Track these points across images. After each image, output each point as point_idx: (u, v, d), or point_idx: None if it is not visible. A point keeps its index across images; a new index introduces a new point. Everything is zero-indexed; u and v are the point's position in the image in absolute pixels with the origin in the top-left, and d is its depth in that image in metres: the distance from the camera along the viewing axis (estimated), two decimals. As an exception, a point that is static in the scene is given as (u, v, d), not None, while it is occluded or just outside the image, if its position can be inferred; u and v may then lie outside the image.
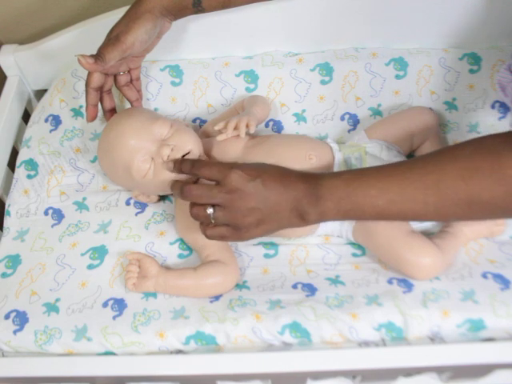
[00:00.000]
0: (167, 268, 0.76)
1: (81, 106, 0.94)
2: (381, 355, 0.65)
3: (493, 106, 0.89)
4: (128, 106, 0.90)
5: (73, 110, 0.95)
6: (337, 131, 0.93)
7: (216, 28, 0.92)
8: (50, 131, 0.93)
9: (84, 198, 0.85)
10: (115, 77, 0.85)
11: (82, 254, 0.79)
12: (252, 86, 0.95)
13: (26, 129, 0.95)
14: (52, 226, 0.83)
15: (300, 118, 0.94)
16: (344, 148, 0.82)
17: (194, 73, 0.95)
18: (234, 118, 0.80)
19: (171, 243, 0.80)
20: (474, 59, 0.92)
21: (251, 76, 0.95)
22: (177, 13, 0.81)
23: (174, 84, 0.95)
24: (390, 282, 0.73)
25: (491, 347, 0.65)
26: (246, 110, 0.86)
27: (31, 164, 0.89)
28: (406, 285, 0.72)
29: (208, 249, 0.76)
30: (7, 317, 0.72)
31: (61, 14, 1.03)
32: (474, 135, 0.88)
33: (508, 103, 0.85)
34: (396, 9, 0.90)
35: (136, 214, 0.83)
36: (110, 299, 0.74)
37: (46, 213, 0.84)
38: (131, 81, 0.87)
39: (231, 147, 0.81)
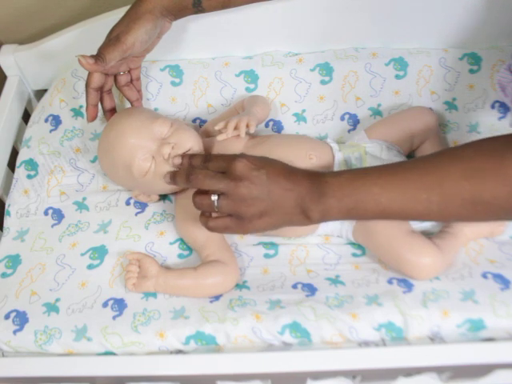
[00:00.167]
0: (167, 268, 0.76)
1: (81, 106, 0.94)
2: (381, 355, 0.65)
3: (493, 106, 0.89)
4: (128, 105, 0.90)
5: (73, 109, 0.95)
6: (337, 131, 0.93)
7: (216, 28, 0.92)
8: (50, 131, 0.93)
9: (84, 198, 0.85)
10: (115, 77, 0.85)
11: (82, 254, 0.79)
12: (252, 85, 0.95)
13: (26, 129, 0.95)
14: (52, 226, 0.83)
15: (300, 118, 0.94)
16: (344, 148, 0.82)
17: (194, 73, 0.95)
18: (234, 118, 0.80)
19: (171, 243, 0.80)
20: (474, 59, 0.92)
21: (251, 76, 0.95)
22: (177, 13, 0.81)
23: (173, 84, 0.95)
24: (389, 281, 0.73)
25: (491, 347, 0.65)
26: (246, 110, 0.86)
27: (31, 164, 0.89)
28: (406, 285, 0.72)
29: (208, 249, 0.76)
30: (7, 317, 0.72)
31: (61, 14, 1.03)
32: (474, 135, 0.88)
33: (508, 103, 0.85)
34: (396, 9, 0.90)
35: (136, 214, 0.83)
36: (110, 299, 0.74)
37: (45, 213, 0.84)
38: (131, 81, 0.87)
39: (231, 147, 0.81)
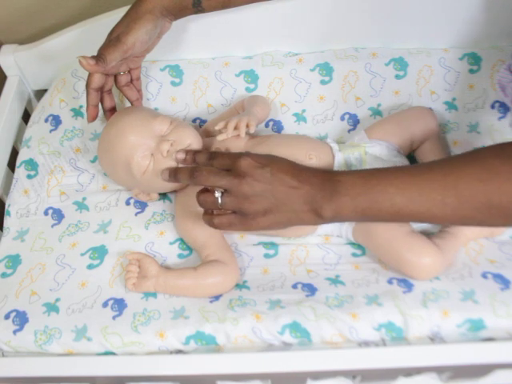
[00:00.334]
0: (167, 268, 0.76)
1: (81, 106, 0.94)
2: (381, 355, 0.65)
3: (493, 106, 0.89)
4: (128, 105, 0.90)
5: (73, 109, 0.95)
6: (337, 131, 0.93)
7: (216, 28, 0.92)
8: (50, 131, 0.93)
9: (84, 198, 0.85)
10: (115, 77, 0.85)
11: (82, 254, 0.79)
12: (252, 85, 0.95)
13: (26, 129, 0.95)
14: (52, 226, 0.83)
15: (300, 117, 0.94)
16: (344, 148, 0.82)
17: (194, 73, 0.95)
18: (234, 118, 0.80)
19: (171, 243, 0.80)
20: (474, 59, 0.92)
21: (251, 76, 0.95)
22: (177, 13, 0.81)
23: (173, 84, 0.95)
24: (390, 281, 0.73)
25: (491, 347, 0.65)
26: (247, 110, 0.86)
27: (31, 164, 0.89)
28: (406, 285, 0.72)
29: (208, 248, 0.76)
30: (7, 317, 0.72)
31: (61, 14, 1.03)
32: (473, 135, 0.88)
33: (508, 103, 0.85)
34: (396, 9, 0.90)
35: (136, 214, 0.83)
36: (110, 299, 0.74)
37: (45, 213, 0.84)
38: (131, 81, 0.87)
39: (231, 147, 0.81)
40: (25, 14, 1.03)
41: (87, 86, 0.81)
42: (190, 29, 0.93)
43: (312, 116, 0.93)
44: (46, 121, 0.94)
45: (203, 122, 0.95)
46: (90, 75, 0.80)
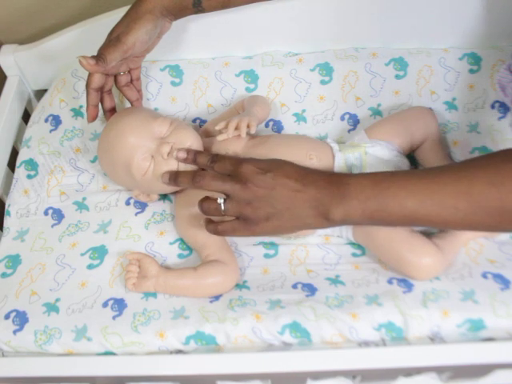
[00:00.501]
0: (167, 268, 0.76)
1: (81, 106, 0.94)
2: (381, 355, 0.65)
3: (493, 106, 0.89)
4: (128, 105, 0.90)
5: (73, 109, 0.95)
6: (337, 131, 0.93)
7: (216, 28, 0.92)
8: (50, 131, 0.93)
9: (84, 198, 0.85)
10: (115, 77, 0.85)
11: (82, 254, 0.79)
12: (252, 85, 0.95)
13: (26, 129, 0.95)
14: (52, 226, 0.83)
15: (300, 118, 0.94)
16: (344, 148, 0.82)
17: (194, 73, 0.95)
18: (234, 118, 0.80)
19: (171, 243, 0.80)
20: (474, 59, 0.92)
21: (251, 76, 0.95)
22: (177, 13, 0.81)
23: (174, 84, 0.95)
24: (390, 281, 0.73)
25: (491, 347, 0.65)
26: (247, 110, 0.86)
27: (31, 164, 0.89)
28: (406, 285, 0.72)
29: (208, 248, 0.76)
30: (7, 317, 0.72)
31: (61, 14, 1.03)
32: (473, 135, 0.88)
33: (508, 103, 0.85)
34: (396, 9, 0.90)
35: (136, 214, 0.83)
36: (110, 299, 0.74)
37: (45, 213, 0.84)
38: (131, 81, 0.87)
39: (231, 147, 0.81)
40: (25, 14, 1.03)
41: (87, 85, 0.81)
42: (190, 29, 0.93)
43: (312, 116, 0.93)
44: (46, 121, 0.94)
45: (203, 122, 0.95)
46: (90, 75, 0.80)
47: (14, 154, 0.93)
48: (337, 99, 0.93)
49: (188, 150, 0.75)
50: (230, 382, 0.69)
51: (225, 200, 0.68)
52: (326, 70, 0.94)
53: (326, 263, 0.78)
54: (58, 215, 0.84)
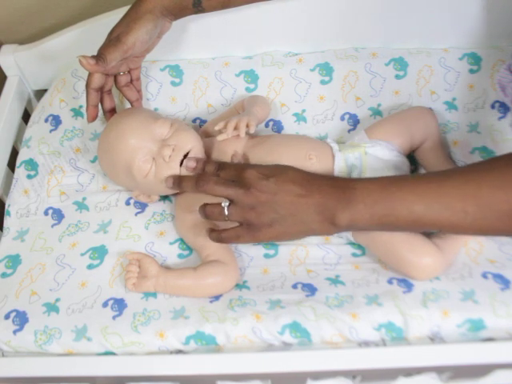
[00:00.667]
0: (167, 268, 0.76)
1: (81, 106, 0.94)
2: (381, 355, 0.65)
3: (493, 106, 0.89)
4: (128, 106, 0.90)
5: (73, 109, 0.95)
6: (337, 131, 0.93)
7: (216, 28, 0.92)
8: (50, 131, 0.93)
9: (84, 198, 0.85)
10: (115, 77, 0.85)
11: (82, 254, 0.79)
12: (252, 85, 0.95)
13: (26, 129, 0.95)
14: (52, 226, 0.83)
15: (300, 118, 0.94)
16: (344, 148, 0.82)
17: (194, 73, 0.95)
18: (234, 118, 0.80)
19: (171, 243, 0.80)
20: (474, 59, 0.92)
21: (251, 76, 0.95)
22: (177, 13, 0.81)
23: (174, 84, 0.95)
24: (390, 281, 0.73)
25: (491, 347, 0.65)
26: (247, 110, 0.86)
27: (31, 164, 0.89)
28: (406, 285, 0.72)
29: (208, 248, 0.76)
30: (7, 317, 0.72)
31: (61, 14, 1.03)
32: (473, 135, 0.88)
33: (508, 103, 0.85)
34: (396, 9, 0.90)
35: (136, 214, 0.83)
36: (110, 299, 0.74)
37: (45, 213, 0.84)
38: (131, 81, 0.87)
39: (231, 147, 0.81)
40: (25, 14, 1.03)
41: (87, 85, 0.81)
42: (190, 29, 0.93)
43: (312, 116, 0.93)
44: (46, 121, 0.94)
45: (203, 122, 0.95)
46: (89, 75, 0.80)
47: (14, 153, 0.93)
48: (337, 99, 0.93)
49: (197, 159, 0.75)
50: (229, 382, 0.69)
51: (229, 204, 0.68)
52: (326, 70, 0.94)
53: (326, 263, 0.78)
54: (58, 215, 0.84)
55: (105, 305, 0.73)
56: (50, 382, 0.68)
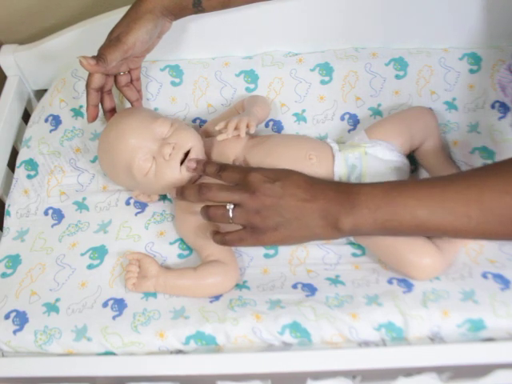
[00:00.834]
0: (167, 268, 0.76)
1: (81, 106, 0.94)
2: (381, 355, 0.65)
3: (493, 106, 0.89)
4: (128, 106, 0.90)
5: (73, 109, 0.95)
6: (337, 131, 0.93)
7: (216, 28, 0.92)
8: (50, 131, 0.93)
9: (84, 198, 0.85)
10: (115, 77, 0.85)
11: (82, 254, 0.79)
12: (252, 85, 0.95)
13: (26, 129, 0.95)
14: (52, 226, 0.83)
15: (300, 118, 0.94)
16: (344, 148, 0.82)
17: (194, 73, 0.95)
18: (234, 118, 0.80)
19: (171, 243, 0.80)
20: (474, 59, 0.92)
21: (251, 76, 0.95)
22: (177, 13, 0.81)
23: (174, 84, 0.95)
24: (390, 281, 0.73)
25: (491, 347, 0.65)
26: (247, 110, 0.86)
27: (31, 164, 0.89)
28: (406, 285, 0.72)
29: (208, 249, 0.76)
30: (7, 317, 0.72)
31: (61, 14, 1.03)
32: (474, 135, 0.88)
33: (508, 103, 0.85)
34: (396, 9, 0.90)
35: (136, 214, 0.83)
36: (110, 299, 0.74)
37: (45, 213, 0.84)
38: (131, 81, 0.87)
39: (231, 147, 0.81)
40: (25, 14, 1.03)
41: (87, 86, 0.81)
42: (190, 29, 0.93)
43: (312, 116, 0.93)
44: (46, 121, 0.94)
45: (203, 122, 0.95)
46: (90, 75, 0.80)
47: (14, 153, 0.93)
48: (337, 99, 0.93)
49: (198, 161, 0.75)
50: (229, 382, 0.69)
51: (233, 207, 0.68)
52: (326, 70, 0.94)
53: (326, 263, 0.78)
54: (58, 215, 0.84)
55: (105, 305, 0.73)
56: (49, 382, 0.68)
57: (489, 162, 0.83)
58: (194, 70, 0.95)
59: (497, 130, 0.86)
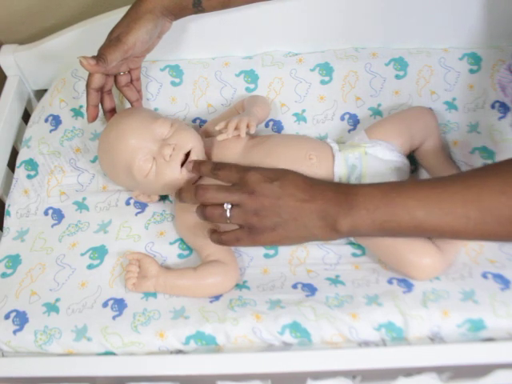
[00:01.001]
0: (167, 268, 0.76)
1: (81, 106, 0.94)
2: (381, 355, 0.65)
3: (493, 106, 0.89)
4: (128, 106, 0.90)
5: (73, 109, 0.95)
6: (337, 131, 0.93)
7: (216, 28, 0.92)
8: (50, 131, 0.93)
9: (84, 198, 0.85)
10: (115, 77, 0.85)
11: (82, 254, 0.79)
12: (252, 85, 0.95)
13: (26, 129, 0.95)
14: (52, 226, 0.83)
15: (300, 117, 0.94)
16: (344, 148, 0.82)
17: (194, 73, 0.95)
18: (234, 118, 0.80)
19: (171, 243, 0.80)
20: (474, 59, 0.92)
21: (251, 76, 0.95)
22: (177, 13, 0.81)
23: (174, 84, 0.95)
24: (390, 281, 0.73)
25: (491, 347, 0.65)
26: (247, 110, 0.86)
27: (31, 164, 0.89)
28: (406, 285, 0.72)
29: (208, 249, 0.76)
30: (7, 317, 0.72)
31: (61, 14, 1.03)
32: (474, 135, 0.88)
33: (508, 103, 0.85)
34: (396, 9, 0.90)
35: (136, 214, 0.83)
36: (110, 299, 0.74)
37: (45, 213, 0.84)
38: (131, 81, 0.87)
39: (231, 147, 0.81)
40: (25, 14, 1.03)
41: (87, 86, 0.81)
42: (190, 29, 0.93)
43: (312, 116, 0.93)
44: (46, 121, 0.94)
45: (203, 122, 0.95)
46: (90, 75, 0.80)
47: (14, 153, 0.93)
48: (337, 99, 0.93)
49: (194, 162, 0.75)
50: (229, 382, 0.69)
51: (231, 207, 0.68)
52: (326, 70, 0.94)
53: (326, 263, 0.78)
54: (58, 215, 0.84)
55: (105, 305, 0.73)
56: (49, 382, 0.68)
57: (489, 162, 0.83)
58: (193, 69, 0.95)
59: (497, 129, 0.86)
